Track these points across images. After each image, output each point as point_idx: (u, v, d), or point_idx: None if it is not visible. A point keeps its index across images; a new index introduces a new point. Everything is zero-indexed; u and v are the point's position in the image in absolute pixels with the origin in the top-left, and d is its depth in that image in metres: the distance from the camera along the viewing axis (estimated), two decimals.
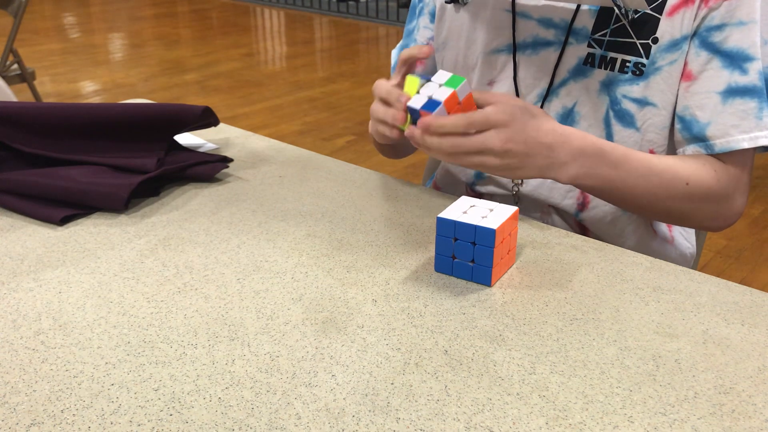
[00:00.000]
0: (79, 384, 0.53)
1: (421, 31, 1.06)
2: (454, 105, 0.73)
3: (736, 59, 0.80)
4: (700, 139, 0.83)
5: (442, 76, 0.75)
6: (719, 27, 0.80)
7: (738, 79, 0.80)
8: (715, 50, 0.81)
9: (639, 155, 0.82)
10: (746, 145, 0.80)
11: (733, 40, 0.80)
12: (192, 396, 0.52)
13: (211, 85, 4.41)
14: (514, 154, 0.74)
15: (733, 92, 0.80)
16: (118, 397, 0.51)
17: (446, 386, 0.53)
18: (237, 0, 7.75)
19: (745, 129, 0.80)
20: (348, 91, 4.28)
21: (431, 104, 0.73)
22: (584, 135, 0.80)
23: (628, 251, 0.74)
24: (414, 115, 0.75)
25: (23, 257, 0.71)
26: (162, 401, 0.51)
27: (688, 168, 0.82)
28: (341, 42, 5.79)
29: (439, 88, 0.74)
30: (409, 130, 0.74)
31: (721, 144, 0.81)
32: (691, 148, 0.84)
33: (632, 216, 0.93)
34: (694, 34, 0.82)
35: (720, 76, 0.81)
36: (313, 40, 5.89)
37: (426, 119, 0.72)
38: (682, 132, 0.84)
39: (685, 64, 0.83)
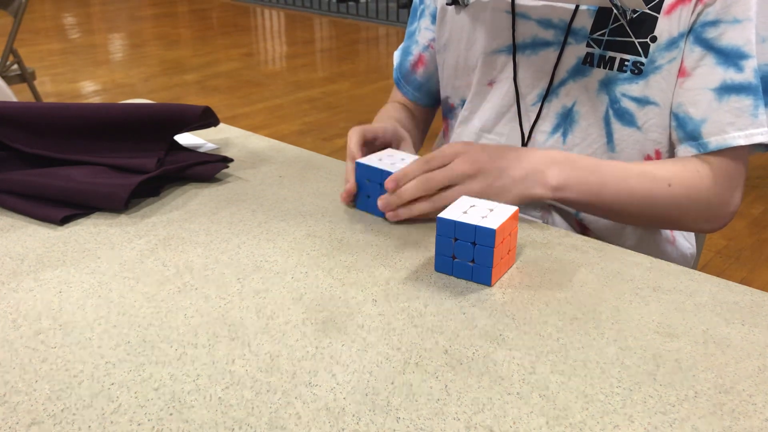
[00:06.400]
0: (79, 383, 0.53)
1: (422, 32, 1.06)
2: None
3: (730, 56, 0.80)
4: (694, 137, 0.82)
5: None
6: (714, 23, 0.80)
7: (733, 76, 0.80)
8: (709, 46, 0.81)
9: (611, 162, 0.82)
10: (742, 142, 0.80)
11: (727, 37, 0.80)
12: (192, 395, 0.52)
13: (211, 85, 4.41)
14: (487, 171, 0.76)
15: (728, 89, 0.80)
16: (118, 397, 0.51)
17: (446, 386, 0.53)
18: (237, 0, 7.74)
19: (741, 126, 0.80)
20: (348, 91, 4.28)
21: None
22: (547, 149, 0.82)
23: (628, 251, 0.74)
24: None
25: (23, 257, 0.71)
26: (162, 401, 0.51)
27: (667, 170, 0.82)
28: (341, 42, 5.79)
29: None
30: (381, 201, 0.78)
31: (716, 141, 0.81)
32: (683, 149, 0.84)
33: None
34: (690, 30, 0.82)
35: (714, 72, 0.81)
36: (313, 41, 5.89)
37: (389, 178, 0.77)
38: (677, 130, 0.84)
39: (681, 60, 0.83)
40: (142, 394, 0.52)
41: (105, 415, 0.50)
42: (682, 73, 0.83)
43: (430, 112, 1.16)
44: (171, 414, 0.50)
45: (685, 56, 0.82)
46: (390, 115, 1.07)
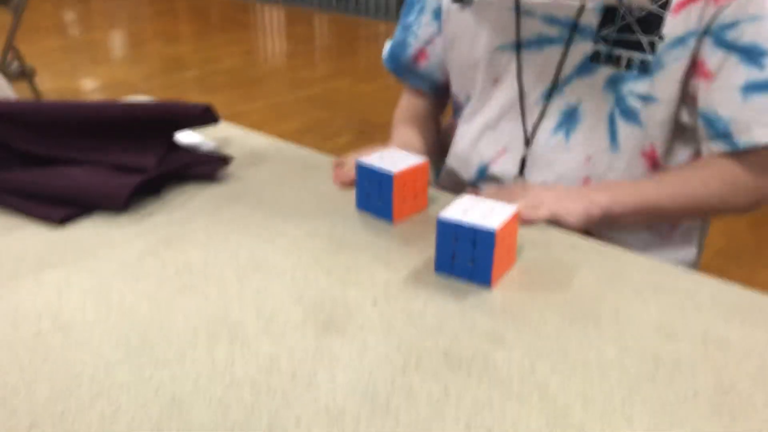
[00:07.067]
0: (79, 385, 0.53)
1: (423, 28, 1.06)
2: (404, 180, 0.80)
3: (752, 55, 0.81)
4: (724, 135, 0.84)
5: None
6: (732, 25, 0.81)
7: (756, 75, 0.81)
8: (731, 47, 0.82)
9: (647, 180, 0.89)
10: None
11: (747, 35, 0.80)
12: (192, 396, 0.52)
13: (212, 82, 4.41)
14: (556, 188, 0.84)
15: (751, 88, 0.81)
16: (118, 398, 0.51)
17: (446, 387, 0.53)
18: None
19: (767, 123, 0.81)
20: (348, 89, 4.28)
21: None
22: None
23: (628, 252, 0.74)
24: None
25: (23, 257, 0.71)
26: (162, 402, 0.51)
27: (701, 172, 0.86)
28: (342, 40, 5.79)
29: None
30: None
31: (744, 139, 0.83)
32: (714, 145, 0.85)
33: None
34: (707, 32, 0.82)
35: (738, 72, 0.82)
36: (314, 38, 5.88)
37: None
38: (706, 128, 0.86)
39: (702, 62, 0.84)
40: (142, 395, 0.52)
41: (105, 417, 0.50)
42: (706, 75, 0.84)
43: (442, 96, 1.15)
44: (171, 415, 0.50)
45: (708, 59, 0.83)
46: (410, 117, 1.10)
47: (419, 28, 1.06)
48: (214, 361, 0.56)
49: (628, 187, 0.86)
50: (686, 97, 0.87)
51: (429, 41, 1.06)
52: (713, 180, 0.85)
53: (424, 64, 1.08)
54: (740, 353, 0.58)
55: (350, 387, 0.53)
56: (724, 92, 0.82)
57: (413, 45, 1.08)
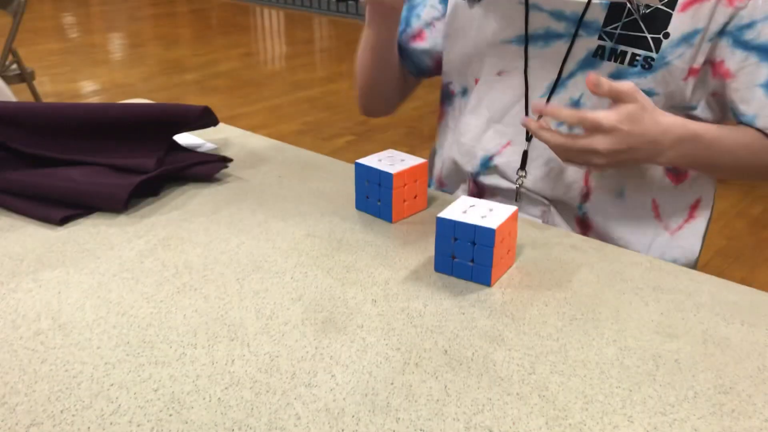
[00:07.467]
0: (78, 384, 0.53)
1: (428, 9, 1.06)
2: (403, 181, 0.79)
3: None
4: (751, 127, 0.86)
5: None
6: (750, 25, 0.82)
7: None
8: (750, 47, 0.83)
9: (727, 135, 0.86)
10: None
11: (765, 34, 0.82)
12: (192, 396, 0.52)
13: (211, 85, 4.41)
14: (619, 152, 0.78)
15: None
16: (118, 398, 0.51)
17: (446, 386, 0.53)
18: (236, 0, 7.74)
19: None
20: (347, 91, 4.28)
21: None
22: (683, 122, 0.83)
23: (628, 251, 0.74)
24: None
25: (23, 257, 0.71)
26: (162, 401, 0.51)
27: (759, 139, 0.87)
28: (341, 42, 5.79)
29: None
30: (524, 119, 0.84)
31: None
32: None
33: (635, 207, 0.94)
34: (723, 32, 0.83)
35: (759, 70, 0.83)
36: (313, 40, 5.89)
37: (539, 107, 0.82)
38: (735, 119, 0.89)
39: (721, 62, 0.85)
40: (142, 394, 0.52)
41: (104, 416, 0.50)
42: (726, 75, 0.86)
43: (414, 80, 1.15)
44: (170, 415, 0.50)
45: (727, 59, 0.85)
46: None
47: (423, 9, 1.06)
48: (214, 360, 0.56)
49: (700, 144, 0.84)
50: (707, 94, 0.89)
51: (429, 23, 1.06)
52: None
53: (417, 45, 1.08)
54: (740, 353, 0.58)
55: (350, 387, 0.53)
56: (747, 91, 0.85)
57: (413, 25, 1.08)
